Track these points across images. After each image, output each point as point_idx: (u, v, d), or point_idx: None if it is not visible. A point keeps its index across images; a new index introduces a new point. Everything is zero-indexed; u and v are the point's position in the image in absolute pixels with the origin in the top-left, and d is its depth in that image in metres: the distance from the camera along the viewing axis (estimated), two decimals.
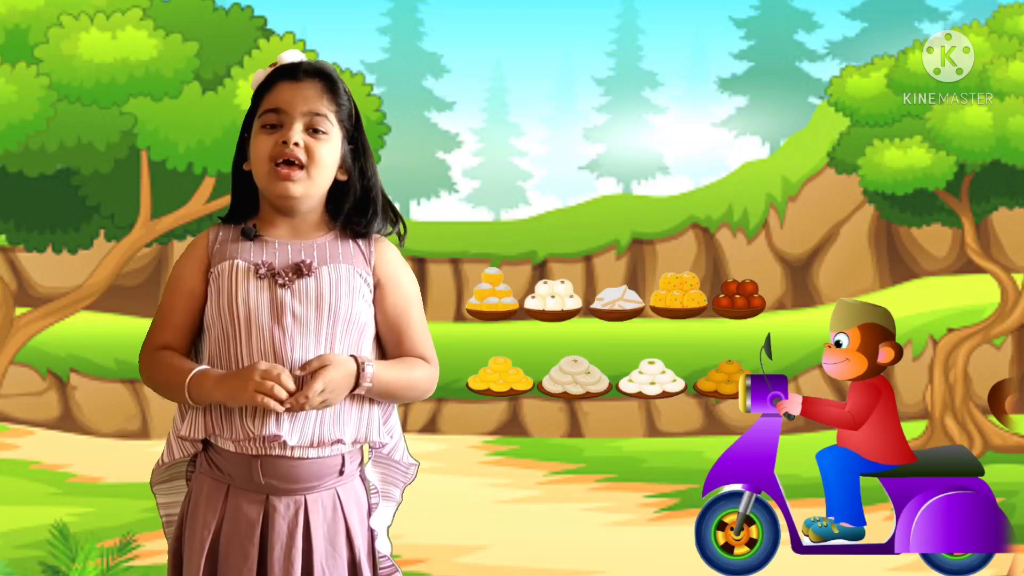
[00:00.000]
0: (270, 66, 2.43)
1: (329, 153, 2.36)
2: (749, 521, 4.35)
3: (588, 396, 6.86)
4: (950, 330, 7.02)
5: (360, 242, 2.42)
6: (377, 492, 2.46)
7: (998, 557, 4.35)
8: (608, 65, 8.26)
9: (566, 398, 6.93)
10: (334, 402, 2.30)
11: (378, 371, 2.34)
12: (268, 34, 5.91)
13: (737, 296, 7.03)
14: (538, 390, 6.90)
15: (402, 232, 2.49)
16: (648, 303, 7.09)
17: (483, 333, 7.07)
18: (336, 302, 2.33)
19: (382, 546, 2.43)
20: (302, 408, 2.26)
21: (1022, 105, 6.47)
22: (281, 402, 2.25)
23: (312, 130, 2.35)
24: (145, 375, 2.41)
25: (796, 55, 8.14)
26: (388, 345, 2.44)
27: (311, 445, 2.32)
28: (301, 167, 2.34)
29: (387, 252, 2.44)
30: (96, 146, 5.69)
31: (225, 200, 6.22)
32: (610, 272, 7.88)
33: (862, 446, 4.27)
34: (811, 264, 7.95)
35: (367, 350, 2.38)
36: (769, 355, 4.28)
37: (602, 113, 8.23)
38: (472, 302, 7.09)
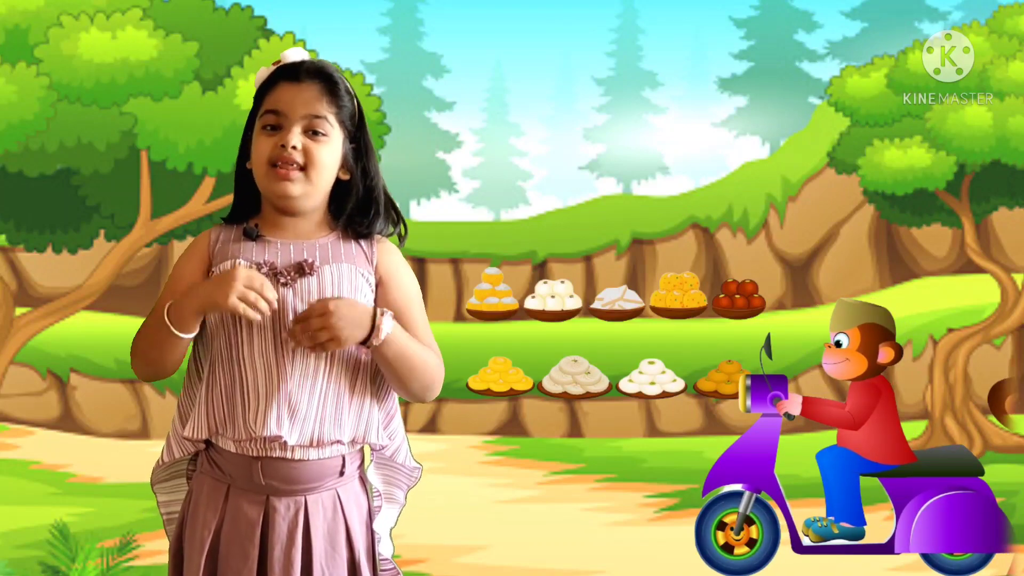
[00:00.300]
0: (273, 64, 2.42)
1: (328, 155, 2.35)
2: (749, 521, 4.35)
3: (588, 396, 6.86)
4: (950, 330, 7.02)
5: (362, 242, 2.41)
6: (379, 495, 2.45)
7: (998, 557, 4.35)
8: (608, 65, 8.25)
9: (566, 398, 6.92)
10: (340, 337, 2.24)
11: (396, 331, 2.30)
12: (268, 34, 5.91)
13: (737, 296, 7.03)
14: (538, 390, 6.90)
15: (403, 233, 2.49)
16: (648, 303, 7.09)
17: (483, 333, 7.07)
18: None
19: (384, 549, 2.43)
20: (302, 333, 2.23)
21: (1022, 105, 6.47)
22: (262, 313, 2.23)
23: (312, 132, 2.34)
24: (133, 353, 2.38)
25: (796, 55, 8.13)
26: None
27: (311, 445, 2.32)
28: (300, 169, 2.33)
29: (388, 252, 2.44)
30: (96, 146, 5.69)
31: (225, 200, 6.25)
32: (610, 272, 7.88)
33: (862, 446, 4.27)
34: (811, 264, 7.95)
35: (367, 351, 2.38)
36: (769, 355, 4.28)
37: (602, 113, 8.22)
38: (472, 302, 7.09)
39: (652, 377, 6.83)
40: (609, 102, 8.23)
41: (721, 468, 4.36)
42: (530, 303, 7.02)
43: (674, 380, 6.85)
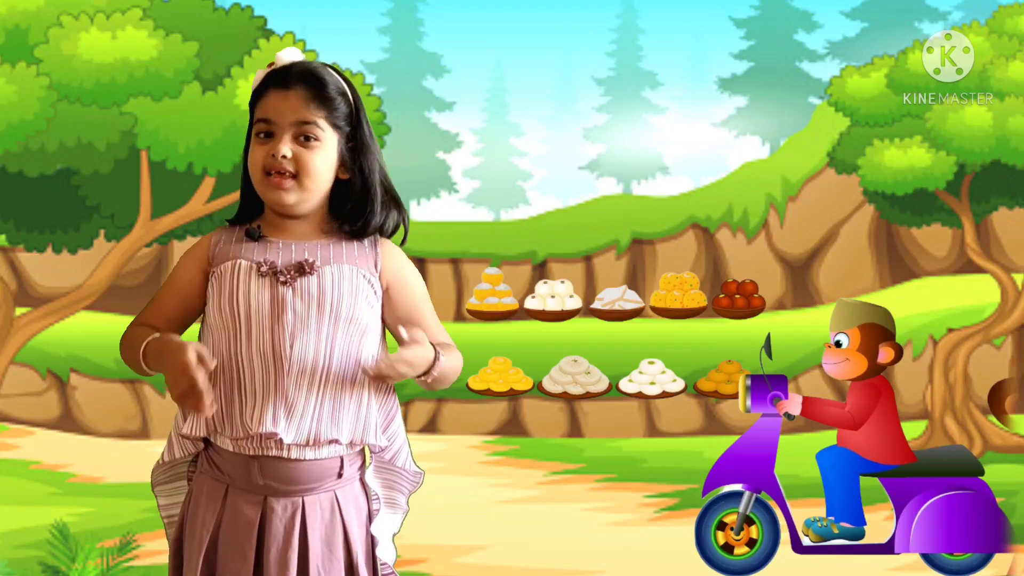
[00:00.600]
0: (269, 65, 2.41)
1: (321, 160, 2.35)
2: (749, 521, 4.35)
3: (588, 396, 6.86)
4: (950, 330, 7.02)
5: (366, 244, 2.41)
6: (378, 498, 2.45)
7: (998, 557, 4.35)
8: (608, 65, 8.25)
9: (566, 398, 6.92)
10: (404, 377, 2.32)
11: (444, 361, 2.39)
12: (268, 34, 5.91)
13: (737, 296, 7.03)
14: (538, 390, 6.90)
15: (404, 224, 2.48)
16: (648, 303, 7.09)
17: (483, 333, 7.07)
18: (338, 301, 2.33)
19: (384, 554, 2.42)
20: (389, 369, 2.29)
21: (1022, 105, 6.47)
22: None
23: (303, 138, 2.34)
24: (121, 348, 2.41)
25: (796, 55, 8.13)
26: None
27: (307, 444, 2.32)
28: (292, 177, 2.33)
29: (392, 253, 2.44)
30: (96, 146, 5.69)
31: (225, 200, 6.27)
32: (610, 272, 7.87)
33: (862, 446, 4.27)
34: (811, 264, 7.95)
35: (368, 352, 2.38)
36: (769, 355, 4.28)
37: (602, 113, 8.22)
38: (472, 302, 7.09)
39: (652, 377, 6.83)
40: (609, 102, 8.23)
41: (721, 468, 4.36)
42: (530, 303, 7.02)
43: (674, 380, 6.85)
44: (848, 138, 7.03)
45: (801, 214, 8.00)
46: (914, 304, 7.37)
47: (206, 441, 2.39)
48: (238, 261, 2.35)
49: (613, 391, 6.86)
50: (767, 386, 4.29)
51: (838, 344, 4.27)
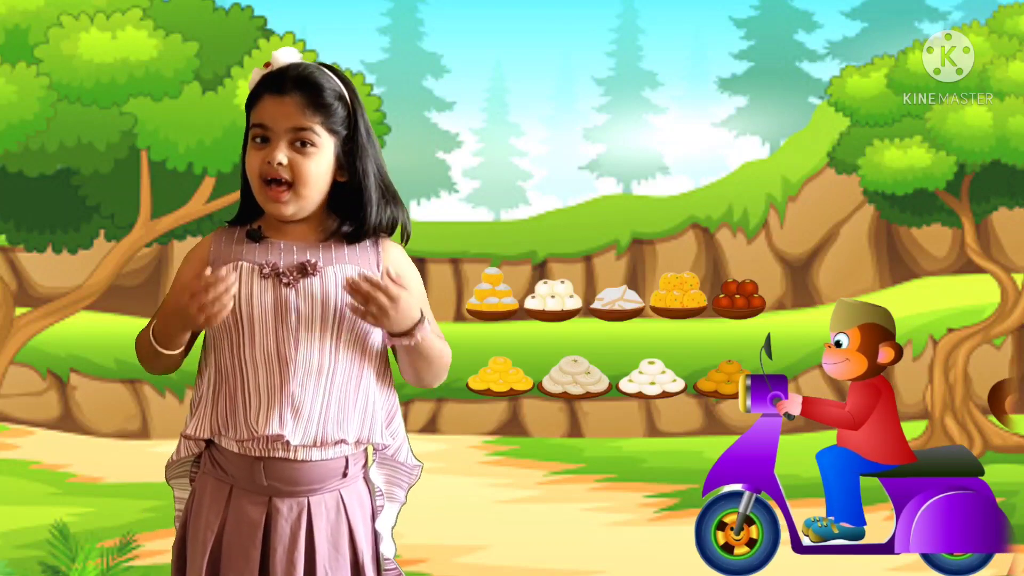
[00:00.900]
0: (265, 65, 2.40)
1: (316, 167, 2.33)
2: (749, 521, 4.35)
3: (588, 396, 6.86)
4: (950, 330, 7.02)
5: (367, 242, 2.40)
6: (382, 495, 2.45)
7: (998, 557, 4.35)
8: (608, 65, 8.25)
9: (566, 398, 6.92)
10: (383, 322, 2.28)
11: (428, 333, 2.36)
12: (268, 34, 5.91)
13: (737, 296, 7.03)
14: (538, 390, 6.90)
15: (406, 225, 2.47)
16: (648, 303, 7.08)
17: (483, 333, 7.07)
18: (341, 302, 2.33)
19: (387, 549, 2.42)
20: (360, 294, 2.26)
21: (1022, 105, 6.47)
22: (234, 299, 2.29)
23: (300, 143, 2.32)
24: (136, 353, 2.41)
25: (796, 55, 8.13)
26: None
27: (314, 445, 2.32)
28: (288, 186, 2.32)
29: (393, 253, 2.43)
30: (96, 146, 5.69)
31: (225, 200, 6.27)
32: (610, 272, 7.88)
33: (862, 446, 4.27)
34: (811, 264, 7.95)
35: (372, 351, 2.38)
36: (769, 355, 4.28)
37: (602, 113, 8.22)
38: (472, 302, 7.09)
39: (652, 377, 6.82)
40: (609, 102, 8.23)
41: (721, 468, 4.36)
42: (530, 303, 7.02)
43: (674, 380, 6.85)
44: (848, 138, 7.03)
45: (801, 214, 8.00)
46: (914, 304, 7.37)
47: (208, 442, 2.39)
48: (240, 263, 2.34)
49: (613, 391, 6.86)
50: (767, 386, 4.29)
51: (838, 344, 4.27)
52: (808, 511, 4.35)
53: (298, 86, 2.32)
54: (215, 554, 2.35)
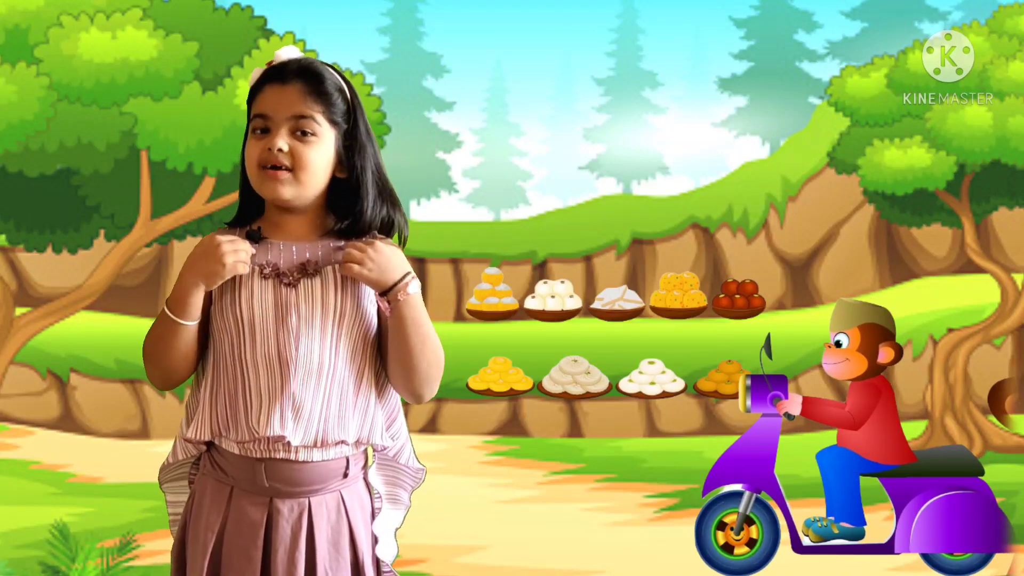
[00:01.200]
0: (267, 64, 2.40)
1: (318, 155, 2.33)
2: (749, 521, 4.35)
3: (588, 396, 6.86)
4: (950, 330, 7.02)
5: (365, 243, 2.39)
6: (380, 496, 2.45)
7: (998, 557, 4.35)
8: (608, 65, 8.25)
9: (566, 398, 6.92)
10: (364, 271, 2.28)
11: (418, 298, 2.33)
12: (268, 34, 5.91)
13: (737, 296, 7.03)
14: (538, 390, 6.89)
15: (404, 227, 2.46)
16: (648, 303, 7.08)
17: (483, 333, 7.07)
18: (341, 301, 2.33)
19: (383, 552, 2.41)
20: (348, 258, 2.28)
21: (1022, 105, 6.47)
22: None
23: (300, 132, 2.32)
24: (145, 360, 2.38)
25: (796, 55, 8.13)
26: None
27: (315, 445, 2.31)
28: (288, 171, 2.32)
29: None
30: (96, 146, 5.69)
31: (225, 200, 6.26)
32: (610, 272, 7.88)
33: (862, 446, 4.27)
34: (811, 264, 7.95)
35: (372, 351, 2.37)
36: (769, 355, 4.28)
37: (602, 113, 8.22)
38: (472, 302, 7.09)
39: (652, 377, 6.83)
40: (609, 102, 8.23)
41: (721, 468, 4.36)
42: (530, 303, 7.02)
43: (674, 380, 6.85)
44: (848, 138, 7.03)
45: (801, 214, 8.00)
46: (914, 304, 7.38)
47: (208, 444, 2.38)
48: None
49: (613, 391, 6.86)
50: (767, 386, 4.29)
51: (838, 344, 4.27)
52: (808, 511, 4.35)
53: (300, 75, 2.33)
54: (216, 556, 2.34)
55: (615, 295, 7.04)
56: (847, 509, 4.28)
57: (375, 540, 2.41)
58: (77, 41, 5.61)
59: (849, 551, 4.30)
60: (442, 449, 6.93)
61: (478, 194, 8.23)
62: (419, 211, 8.04)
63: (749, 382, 4.31)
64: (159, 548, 4.66)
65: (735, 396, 6.31)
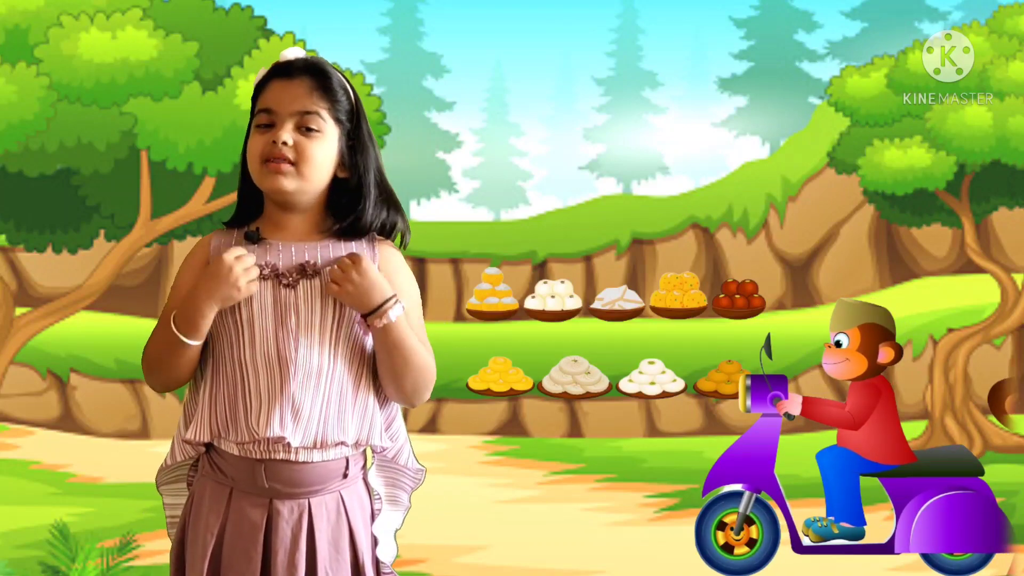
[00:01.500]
0: (274, 64, 2.41)
1: (321, 151, 2.33)
2: (749, 521, 4.35)
3: (588, 396, 6.86)
4: (950, 330, 7.02)
5: (364, 243, 2.39)
6: (379, 497, 2.44)
7: (998, 557, 4.36)
8: (608, 65, 8.25)
9: (566, 398, 6.92)
10: (345, 293, 2.29)
11: (400, 323, 2.32)
12: (268, 34, 5.91)
13: (737, 296, 7.03)
14: (538, 390, 6.89)
15: (405, 229, 2.46)
16: (648, 303, 7.08)
17: (483, 333, 7.07)
18: (341, 303, 2.32)
19: (383, 554, 2.41)
20: (332, 276, 2.29)
21: (1022, 105, 6.47)
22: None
23: (305, 128, 2.32)
24: (145, 366, 2.38)
25: (796, 55, 8.13)
26: None
27: (314, 446, 2.31)
28: (291, 164, 2.32)
29: (389, 255, 2.41)
30: (96, 146, 5.69)
31: (225, 200, 6.25)
32: (610, 272, 7.88)
33: (862, 446, 4.27)
34: (811, 264, 7.95)
35: (371, 352, 2.37)
36: (769, 355, 4.28)
37: (602, 113, 8.22)
38: (472, 302, 7.09)
39: (652, 377, 6.83)
40: (609, 102, 8.23)
41: (721, 468, 4.36)
42: (530, 303, 7.02)
43: (674, 380, 6.85)
44: (848, 138, 7.03)
45: (801, 214, 8.00)
46: (914, 304, 7.38)
47: (208, 445, 2.38)
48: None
49: (613, 391, 6.86)
50: (767, 386, 4.29)
51: (838, 344, 4.27)
52: (808, 511, 4.35)
53: (306, 71, 2.35)
54: (216, 557, 2.34)
55: (615, 295, 7.04)
56: (847, 509, 4.28)
57: (375, 541, 2.41)
58: (77, 41, 5.61)
59: (849, 551, 4.30)
60: (442, 449, 6.93)
61: (478, 194, 8.23)
62: (419, 211, 8.04)
63: (749, 382, 4.31)
64: (159, 548, 4.66)
65: (735, 396, 6.31)
